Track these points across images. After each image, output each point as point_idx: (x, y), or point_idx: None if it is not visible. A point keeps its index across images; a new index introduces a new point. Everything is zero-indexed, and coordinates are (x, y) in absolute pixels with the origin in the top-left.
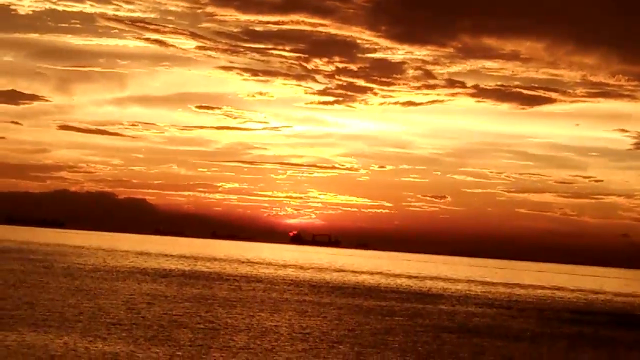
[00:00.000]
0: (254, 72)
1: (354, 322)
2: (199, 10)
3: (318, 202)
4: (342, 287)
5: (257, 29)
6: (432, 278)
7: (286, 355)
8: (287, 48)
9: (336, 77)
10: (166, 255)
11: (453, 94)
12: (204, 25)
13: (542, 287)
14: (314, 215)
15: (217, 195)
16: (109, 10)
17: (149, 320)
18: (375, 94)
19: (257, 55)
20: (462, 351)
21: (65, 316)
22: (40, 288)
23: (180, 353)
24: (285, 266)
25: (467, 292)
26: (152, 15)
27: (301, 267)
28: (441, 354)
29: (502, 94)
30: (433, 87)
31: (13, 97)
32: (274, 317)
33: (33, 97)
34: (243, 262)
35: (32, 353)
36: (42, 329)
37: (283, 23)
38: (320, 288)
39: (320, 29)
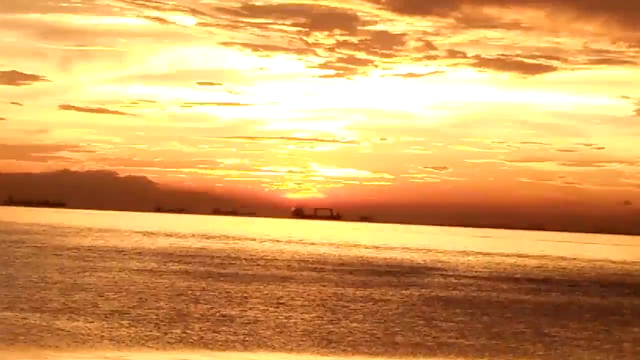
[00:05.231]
0: (255, 48)
1: (349, 295)
2: None
3: (319, 176)
4: (339, 262)
5: (257, 3)
6: (432, 250)
7: (267, 324)
8: (288, 22)
9: (337, 50)
10: (165, 233)
11: (454, 64)
12: (204, 1)
13: (545, 257)
14: (315, 190)
15: (219, 172)
16: None
17: (130, 297)
18: (376, 66)
19: (257, 31)
20: (458, 323)
21: (47, 295)
22: (31, 268)
23: (154, 328)
24: (284, 241)
25: (468, 263)
26: None
27: (301, 242)
28: (437, 327)
29: (503, 64)
30: (434, 57)
31: (13, 77)
32: (260, 290)
33: (34, 78)
34: (242, 238)
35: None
36: (20, 306)
37: None
38: (317, 263)
39: (320, 2)
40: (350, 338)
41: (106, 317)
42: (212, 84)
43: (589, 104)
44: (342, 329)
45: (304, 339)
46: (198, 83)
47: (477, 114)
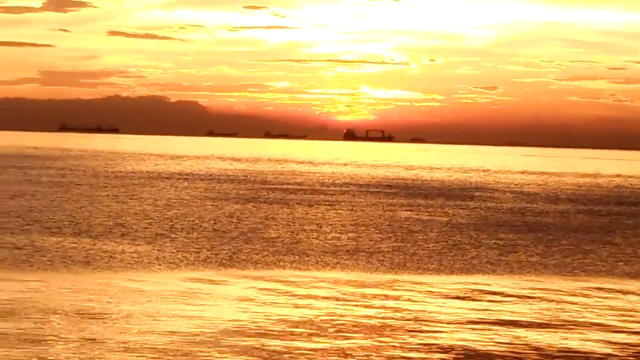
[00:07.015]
0: None
1: (402, 217)
2: None
3: (370, 98)
4: (391, 183)
5: None
6: (483, 170)
7: (315, 244)
8: None
9: None
10: (218, 157)
11: None
12: None
13: (597, 175)
14: (366, 111)
15: (269, 95)
16: None
17: (180, 220)
18: None
19: None
20: (505, 241)
21: (96, 219)
22: (83, 194)
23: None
24: (335, 164)
25: (519, 182)
26: None
27: (353, 164)
28: (484, 245)
29: None
30: None
31: (61, 4)
32: (311, 212)
33: (81, 4)
34: (293, 161)
35: (60, 254)
36: (59, 231)
37: None
38: (369, 185)
39: None
40: (398, 258)
41: (155, 239)
42: (258, 7)
43: (638, 20)
44: (390, 249)
45: (353, 258)
46: (244, 7)
47: (525, 33)
